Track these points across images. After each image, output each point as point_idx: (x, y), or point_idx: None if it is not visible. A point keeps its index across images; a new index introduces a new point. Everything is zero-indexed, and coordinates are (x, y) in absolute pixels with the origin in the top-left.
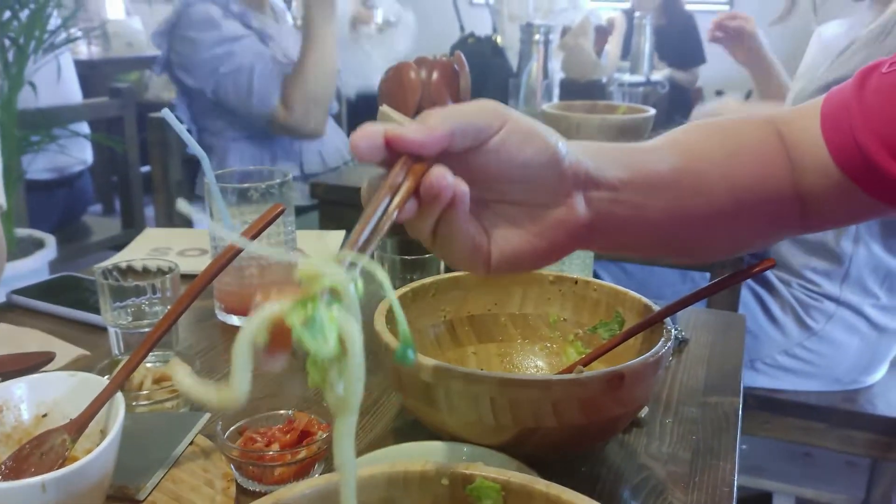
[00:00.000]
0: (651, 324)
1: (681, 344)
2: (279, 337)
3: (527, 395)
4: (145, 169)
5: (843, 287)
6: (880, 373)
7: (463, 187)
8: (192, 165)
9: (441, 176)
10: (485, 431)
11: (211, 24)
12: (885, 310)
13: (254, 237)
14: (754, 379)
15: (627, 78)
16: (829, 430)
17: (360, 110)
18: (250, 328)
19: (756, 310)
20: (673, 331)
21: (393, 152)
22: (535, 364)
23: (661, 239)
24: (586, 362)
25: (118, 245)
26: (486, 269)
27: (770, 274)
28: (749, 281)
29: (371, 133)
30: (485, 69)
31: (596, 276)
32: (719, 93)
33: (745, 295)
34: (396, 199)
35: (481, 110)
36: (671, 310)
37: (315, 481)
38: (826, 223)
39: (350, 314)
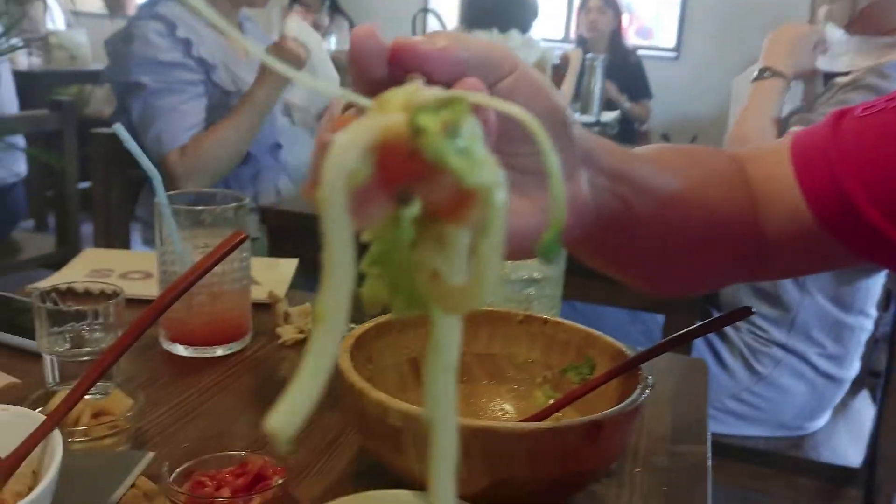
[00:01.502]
0: (628, 368)
1: None
2: (389, 167)
3: (501, 445)
4: (83, 185)
5: (790, 334)
6: (823, 419)
7: (494, 116)
8: (134, 186)
9: (479, 87)
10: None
11: (146, 44)
12: (830, 358)
13: (212, 266)
14: None
15: (578, 118)
16: (776, 477)
17: None
18: (345, 151)
19: (706, 354)
20: (649, 377)
21: (398, 68)
22: (502, 407)
23: (641, 250)
24: (557, 408)
25: (51, 264)
26: None
27: None
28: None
29: (378, 36)
30: None
31: None
32: (665, 136)
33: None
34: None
35: (493, 47)
36: (647, 356)
37: None
38: (784, 270)
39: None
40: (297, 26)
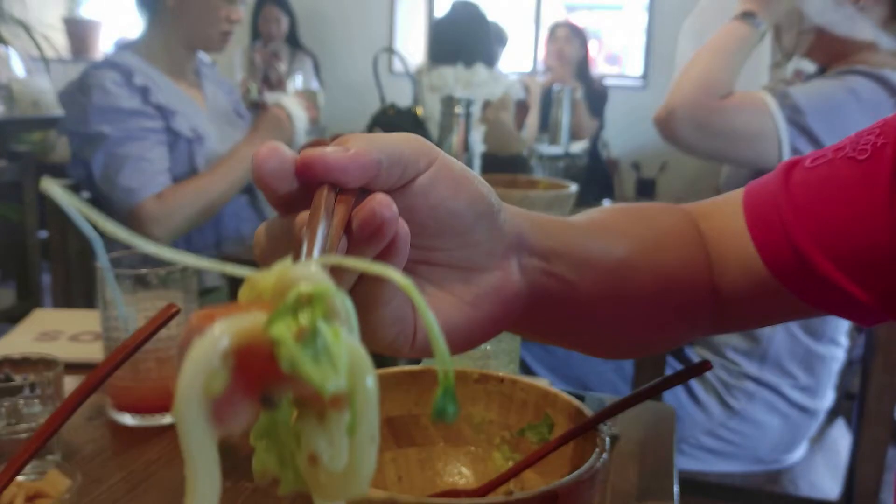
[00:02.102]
0: (584, 431)
1: (611, 441)
2: (249, 371)
3: None
4: (45, 234)
5: (763, 367)
6: (800, 452)
7: (405, 227)
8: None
9: (386, 204)
10: None
11: (105, 93)
12: (803, 390)
13: (143, 343)
14: (678, 461)
15: (547, 150)
16: None
17: None
18: (201, 359)
19: (679, 390)
20: (607, 439)
21: (306, 181)
22: (460, 471)
23: (585, 324)
24: (515, 472)
25: (12, 318)
26: (411, 346)
27: (692, 353)
28: (671, 360)
29: (280, 152)
30: None
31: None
32: (635, 165)
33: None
34: (335, 222)
35: (409, 141)
36: (605, 415)
37: None
38: (740, 323)
39: (351, 334)
40: (289, 101)
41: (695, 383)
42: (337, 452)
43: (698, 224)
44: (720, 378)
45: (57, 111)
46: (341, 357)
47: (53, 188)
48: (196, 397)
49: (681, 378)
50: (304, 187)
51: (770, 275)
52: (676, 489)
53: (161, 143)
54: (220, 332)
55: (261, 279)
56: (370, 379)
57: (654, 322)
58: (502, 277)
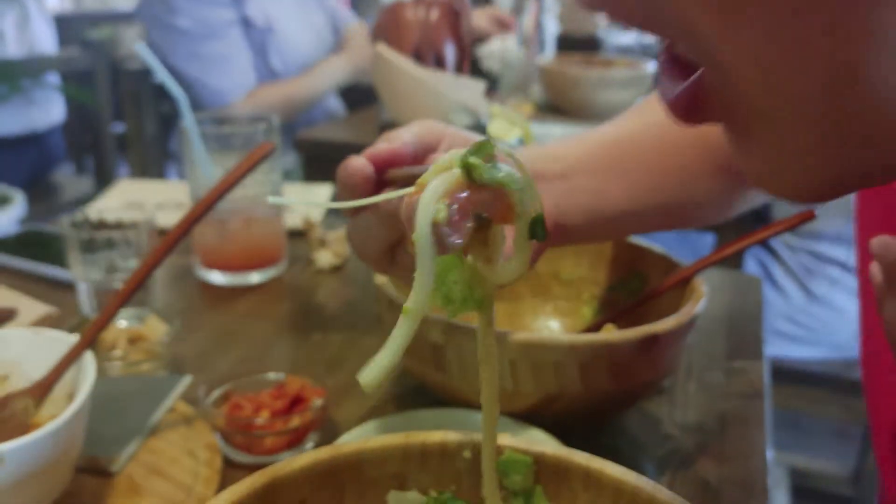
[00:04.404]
0: (683, 279)
1: None
2: (458, 204)
3: (551, 359)
4: (119, 128)
5: (852, 250)
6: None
7: (470, 194)
8: (167, 121)
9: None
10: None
11: None
12: None
13: (241, 176)
14: None
15: (618, 38)
16: (831, 399)
17: None
18: (426, 201)
19: (758, 275)
20: (704, 286)
21: (377, 168)
22: (548, 325)
23: (636, 219)
24: (610, 319)
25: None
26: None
27: (777, 242)
28: (755, 249)
29: (359, 165)
30: None
31: None
32: None
33: (747, 259)
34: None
35: (425, 126)
36: (703, 264)
37: (316, 454)
38: None
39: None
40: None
41: (774, 267)
42: (500, 253)
43: None
44: (802, 263)
45: (123, 6)
46: (512, 170)
47: (142, 49)
48: (426, 227)
49: (783, 226)
50: (372, 177)
51: None
52: (766, 350)
53: (241, 38)
54: (435, 185)
55: (441, 160)
56: (531, 182)
57: (718, 188)
58: None
